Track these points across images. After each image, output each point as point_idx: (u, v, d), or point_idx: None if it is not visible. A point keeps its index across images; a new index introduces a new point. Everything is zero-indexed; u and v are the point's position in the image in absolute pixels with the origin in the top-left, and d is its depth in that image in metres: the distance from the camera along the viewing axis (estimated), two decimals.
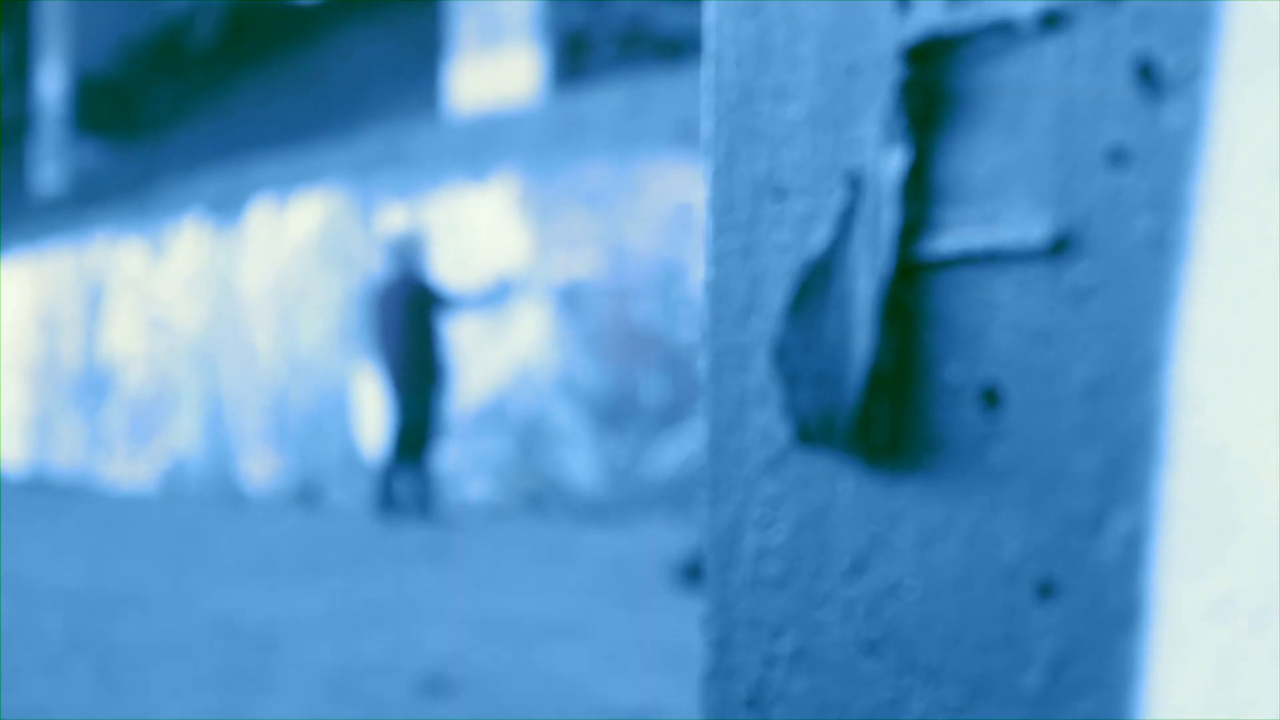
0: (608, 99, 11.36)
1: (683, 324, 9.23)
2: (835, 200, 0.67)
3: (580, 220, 9.93)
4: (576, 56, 13.61)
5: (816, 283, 0.66)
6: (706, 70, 0.72)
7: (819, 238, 0.67)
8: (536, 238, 10.19)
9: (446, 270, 10.58)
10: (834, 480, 0.68)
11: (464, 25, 14.29)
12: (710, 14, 0.72)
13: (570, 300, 9.93)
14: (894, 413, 0.65)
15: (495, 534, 9.02)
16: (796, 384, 0.66)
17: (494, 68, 13.89)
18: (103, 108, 23.57)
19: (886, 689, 0.67)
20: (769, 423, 0.70)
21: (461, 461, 10.59)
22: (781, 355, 0.67)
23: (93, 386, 15.11)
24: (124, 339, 14.71)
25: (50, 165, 23.58)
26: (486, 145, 11.96)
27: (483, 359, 10.52)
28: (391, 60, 20.00)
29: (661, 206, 9.43)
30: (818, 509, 0.68)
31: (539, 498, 10.02)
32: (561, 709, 4.82)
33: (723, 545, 0.70)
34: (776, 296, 0.69)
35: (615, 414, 9.61)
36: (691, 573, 6.78)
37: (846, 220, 0.66)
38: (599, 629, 6.00)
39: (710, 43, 0.72)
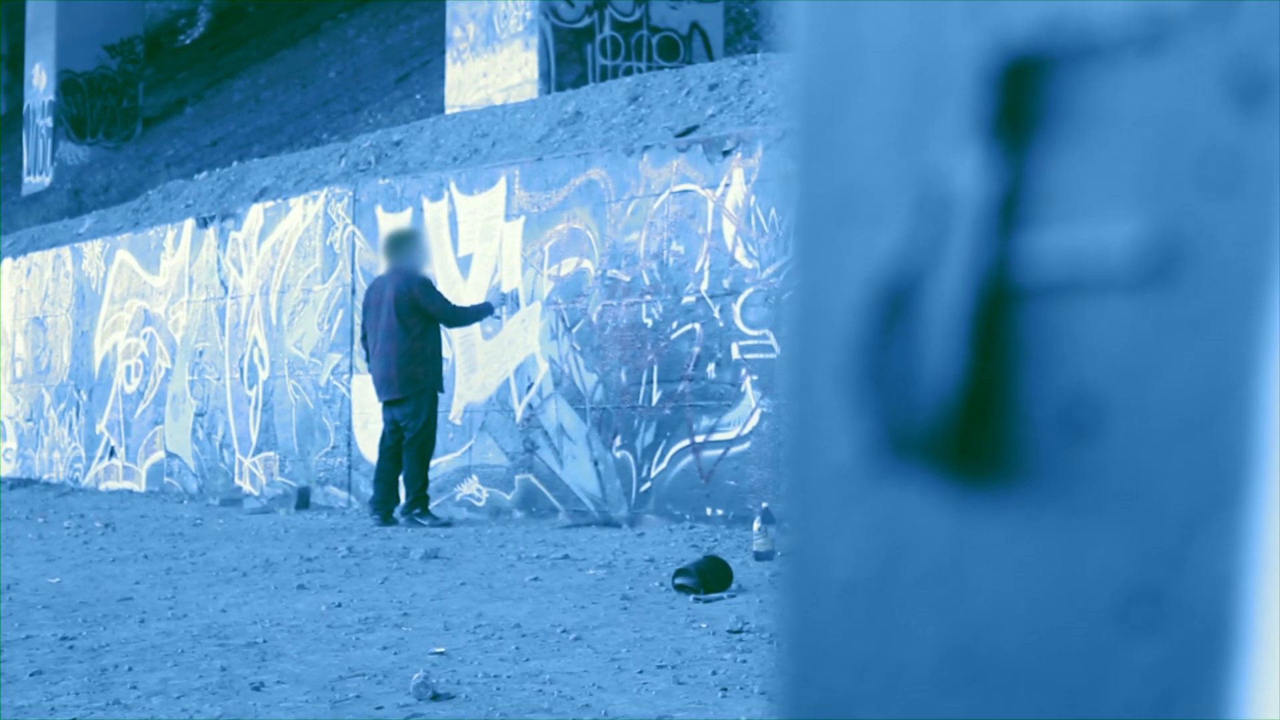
0: (606, 97, 11.32)
1: (682, 324, 9.18)
2: (922, 222, 0.65)
3: (578, 219, 9.88)
4: (575, 54, 13.57)
5: (902, 304, 0.65)
6: (789, 89, 0.72)
7: (905, 258, 0.66)
8: (534, 237, 10.14)
9: (443, 269, 10.52)
10: (915, 511, 0.66)
11: (462, 23, 14.25)
12: (789, 32, 0.72)
13: (568, 300, 9.88)
14: (983, 439, 0.64)
15: (492, 537, 8.97)
16: (881, 408, 0.65)
17: (492, 66, 13.85)
18: (95, 107, 23.54)
19: None
20: (849, 447, 0.68)
21: (458, 463, 10.54)
22: (865, 378, 0.66)
23: (84, 387, 15.06)
24: (116, 339, 14.66)
25: (42, 165, 23.54)
26: (484, 143, 11.92)
27: (479, 359, 10.47)
28: (388, 59, 19.98)
29: (661, 206, 9.38)
30: (898, 538, 0.67)
31: (536, 500, 9.97)
32: (560, 715, 4.77)
33: (798, 572, 0.67)
34: (861, 316, 0.67)
35: (614, 415, 9.56)
36: (692, 578, 6.72)
37: (933, 241, 0.64)
38: (598, 633, 5.94)
39: (789, 63, 0.72)
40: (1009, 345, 0.63)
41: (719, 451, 8.89)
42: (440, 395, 10.02)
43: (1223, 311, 0.58)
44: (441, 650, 5.71)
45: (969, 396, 0.63)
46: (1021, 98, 0.63)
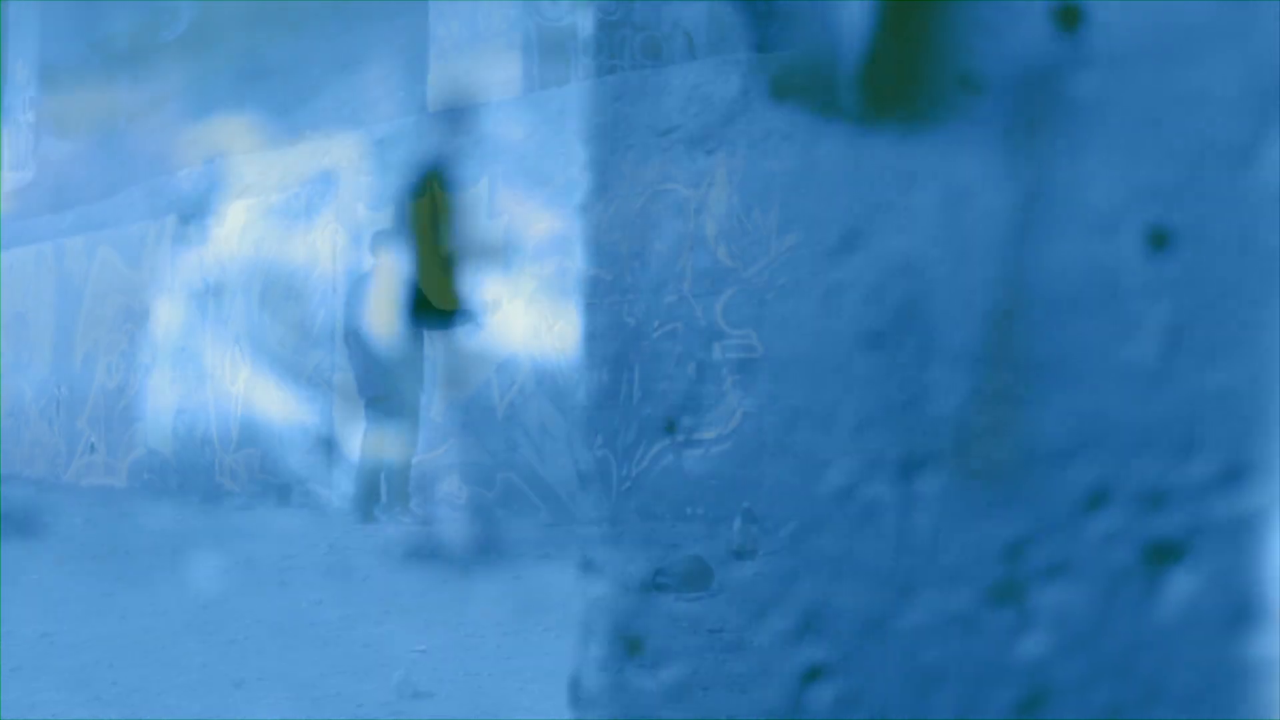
0: (591, 98, 11.32)
1: (664, 323, 9.19)
2: (935, 230, 0.65)
3: (563, 218, 9.88)
4: (558, 53, 13.57)
5: (912, 313, 0.64)
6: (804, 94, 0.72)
7: (917, 267, 0.66)
8: (519, 236, 10.14)
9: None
10: (935, 517, 0.66)
11: (445, 21, 14.25)
12: (803, 31, 0.72)
13: (552, 298, 9.88)
14: (996, 450, 0.63)
15: (475, 534, 8.97)
16: (892, 420, 0.65)
17: (475, 64, 13.85)
18: (76, 105, 23.49)
19: None
20: (862, 459, 0.68)
21: (439, 460, 10.53)
22: (873, 387, 0.66)
23: (65, 383, 15.02)
24: (97, 335, 14.62)
25: (24, 161, 23.48)
26: (468, 144, 11.90)
27: (464, 356, 10.46)
28: (372, 59, 19.95)
29: (643, 205, 9.38)
30: (921, 545, 0.67)
31: (518, 498, 9.97)
32: (542, 714, 4.77)
33: (809, 583, 0.68)
34: (871, 324, 0.68)
35: (598, 414, 9.55)
36: (671, 576, 6.73)
37: (948, 250, 0.64)
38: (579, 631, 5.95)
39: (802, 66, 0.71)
40: (1022, 355, 0.63)
41: (700, 451, 8.90)
42: (425, 391, 10.02)
43: (1243, 317, 0.57)
44: (423, 648, 5.71)
45: (982, 407, 0.63)
46: (1039, 103, 0.63)
